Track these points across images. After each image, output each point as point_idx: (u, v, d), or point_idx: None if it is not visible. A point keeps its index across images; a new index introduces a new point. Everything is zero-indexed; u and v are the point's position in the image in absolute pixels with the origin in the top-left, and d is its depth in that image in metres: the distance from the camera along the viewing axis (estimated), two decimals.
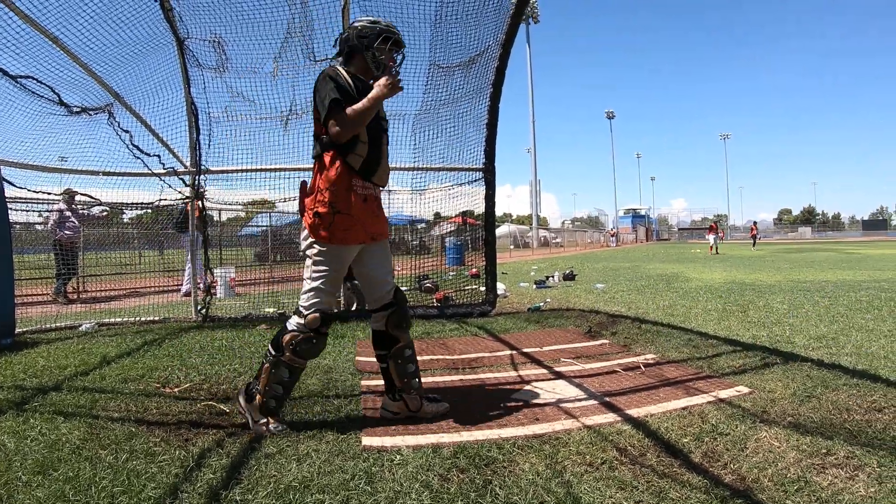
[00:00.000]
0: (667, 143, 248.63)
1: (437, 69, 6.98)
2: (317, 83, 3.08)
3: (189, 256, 9.02)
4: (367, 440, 2.91)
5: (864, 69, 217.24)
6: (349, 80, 3.07)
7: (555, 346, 5.48)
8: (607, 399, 3.70)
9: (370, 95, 2.98)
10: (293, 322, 3.05)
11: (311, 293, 3.05)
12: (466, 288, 8.61)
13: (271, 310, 7.93)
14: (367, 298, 3.32)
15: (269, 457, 2.66)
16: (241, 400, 3.15)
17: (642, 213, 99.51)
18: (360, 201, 3.05)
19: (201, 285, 7.92)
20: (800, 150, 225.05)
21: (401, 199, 7.97)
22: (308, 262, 3.09)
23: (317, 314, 3.02)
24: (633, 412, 3.37)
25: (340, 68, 3.15)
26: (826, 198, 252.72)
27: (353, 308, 7.42)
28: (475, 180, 7.65)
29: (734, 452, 2.71)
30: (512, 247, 42.52)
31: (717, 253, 30.28)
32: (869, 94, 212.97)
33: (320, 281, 3.04)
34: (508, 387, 4.07)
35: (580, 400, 3.69)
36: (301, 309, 3.05)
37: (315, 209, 3.00)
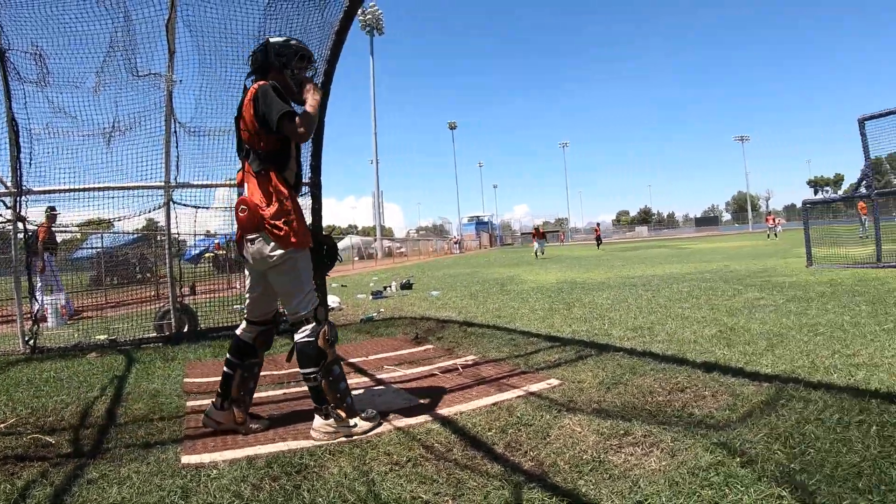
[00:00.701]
0: (508, 152, 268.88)
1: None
2: (259, 96, 3.46)
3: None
4: (186, 458, 3.23)
5: (688, 81, 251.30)
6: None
7: (381, 355, 6.06)
8: (421, 401, 4.18)
9: (315, 99, 3.60)
10: (309, 330, 3.54)
11: (307, 296, 3.59)
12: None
13: (102, 337, 7.87)
14: (253, 308, 3.83)
15: (92, 482, 2.90)
16: (323, 425, 3.52)
17: (485, 219, 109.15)
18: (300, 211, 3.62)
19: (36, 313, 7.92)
20: (635, 155, 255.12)
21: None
22: (283, 274, 3.55)
23: (321, 307, 3.65)
24: (444, 411, 3.86)
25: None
26: (661, 198, 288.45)
27: (185, 330, 7.71)
28: (302, 194, 7.86)
29: (536, 441, 3.19)
30: (356, 258, 44.88)
31: (544, 255, 33.27)
32: (695, 103, 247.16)
33: (307, 283, 3.61)
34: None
35: (396, 404, 4.14)
36: (306, 316, 3.56)
37: (276, 222, 3.46)
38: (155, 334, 7.84)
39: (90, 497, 2.72)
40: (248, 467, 3.00)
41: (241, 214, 3.54)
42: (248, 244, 3.56)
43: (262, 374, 5.12)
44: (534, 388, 4.28)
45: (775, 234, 45.02)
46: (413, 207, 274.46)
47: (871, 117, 12.76)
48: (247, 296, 3.88)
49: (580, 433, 3.25)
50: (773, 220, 48.73)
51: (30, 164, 7.29)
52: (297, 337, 3.58)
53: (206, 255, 15.74)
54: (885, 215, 19.33)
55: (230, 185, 7.86)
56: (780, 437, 2.97)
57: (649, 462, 2.80)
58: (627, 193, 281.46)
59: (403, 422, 3.72)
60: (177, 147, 7.49)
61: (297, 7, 6.72)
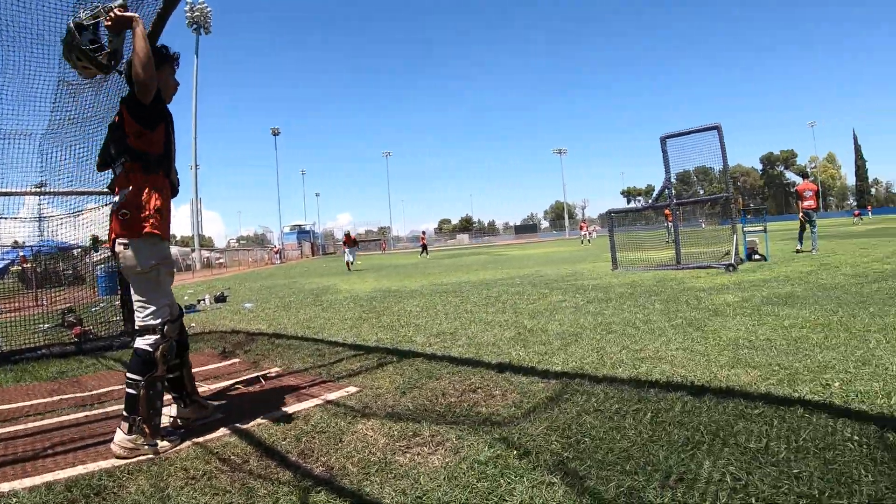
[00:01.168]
0: (332, 160, 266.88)
1: (66, 86, 7.00)
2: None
3: None
4: None
5: (509, 95, 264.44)
6: None
7: None
8: (221, 415, 4.17)
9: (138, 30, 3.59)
10: (151, 340, 3.60)
11: (162, 308, 3.71)
12: (114, 319, 8.61)
13: None
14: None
15: None
16: (125, 440, 3.45)
17: (307, 228, 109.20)
18: None
19: None
20: (457, 165, 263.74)
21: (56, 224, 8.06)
22: (144, 281, 3.68)
23: (171, 324, 3.73)
24: (243, 424, 3.89)
25: None
26: (482, 207, 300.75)
27: None
28: (108, 203, 7.50)
29: (329, 447, 3.30)
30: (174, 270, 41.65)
31: (354, 266, 33.40)
32: (516, 116, 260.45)
33: (166, 293, 3.79)
34: None
35: (195, 420, 4.08)
36: (155, 326, 3.64)
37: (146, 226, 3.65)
38: None
39: None
40: (46, 493, 2.95)
41: (121, 218, 3.66)
42: (123, 249, 3.65)
43: (63, 397, 5.27)
44: (332, 396, 4.39)
45: (588, 240, 48.44)
46: (234, 216, 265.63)
47: (671, 136, 14.49)
48: None
49: (372, 437, 3.39)
50: (587, 227, 52.27)
51: None
52: (138, 342, 3.63)
53: (13, 268, 14.57)
54: (694, 220, 21.47)
55: (25, 193, 7.56)
56: (558, 429, 3.24)
57: (433, 460, 2.97)
58: (449, 202, 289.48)
59: (203, 437, 3.71)
60: None
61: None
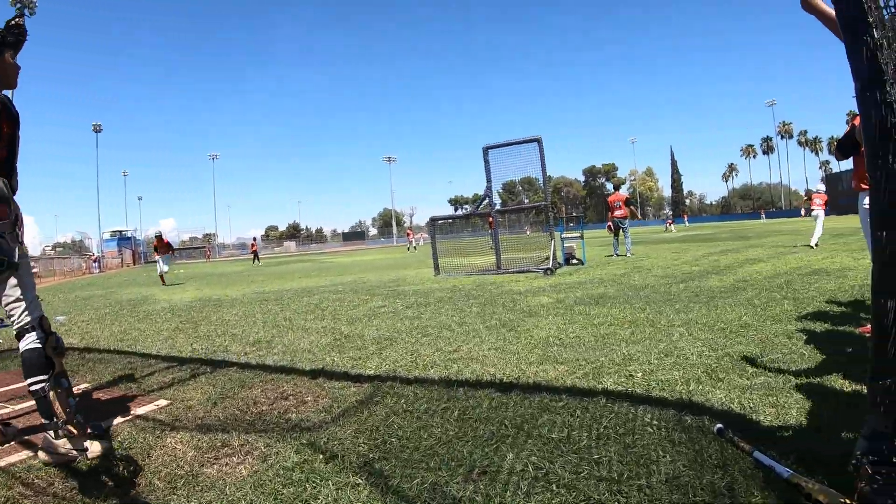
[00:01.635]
0: (155, 161, 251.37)
1: None
2: None
3: None
4: None
5: (339, 101, 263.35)
6: None
7: None
8: (26, 438, 3.79)
9: None
10: (33, 337, 3.37)
11: (33, 303, 3.48)
12: None
13: None
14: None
15: None
16: (54, 445, 3.29)
17: (128, 234, 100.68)
18: None
19: None
20: (285, 171, 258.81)
21: None
22: (23, 273, 3.48)
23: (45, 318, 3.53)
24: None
25: None
26: (310, 214, 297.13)
27: None
28: None
29: (138, 462, 3.16)
30: None
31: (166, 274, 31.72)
32: (347, 123, 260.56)
33: (31, 289, 3.55)
34: None
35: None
36: (30, 322, 3.40)
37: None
38: None
39: None
40: None
41: None
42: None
43: None
44: (141, 411, 4.20)
45: (415, 247, 49.15)
46: (49, 220, 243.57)
47: (493, 146, 15.09)
48: None
49: (180, 450, 3.29)
50: (413, 234, 53.09)
51: None
52: (22, 345, 3.40)
53: None
54: (518, 227, 22.45)
55: None
56: (366, 431, 3.30)
57: (241, 469, 2.92)
58: (277, 209, 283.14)
59: (4, 461, 3.41)
60: None
61: None
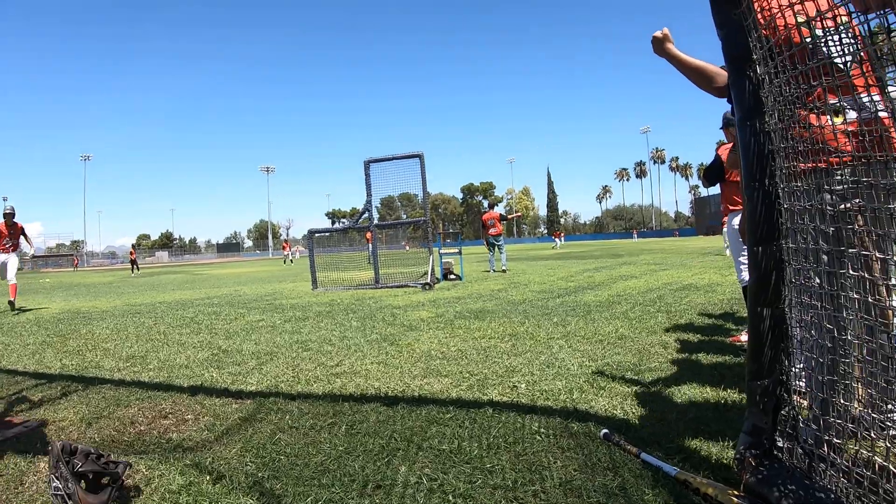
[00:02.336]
0: (21, 159, 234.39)
1: None
2: None
3: None
4: None
5: (215, 107, 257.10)
6: None
7: None
8: None
9: None
10: None
11: None
12: None
13: None
14: None
15: None
16: None
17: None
18: None
19: None
20: (159, 176, 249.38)
21: None
22: None
23: None
24: None
25: None
26: (184, 224, 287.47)
27: None
28: None
29: (9, 491, 2.90)
30: None
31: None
32: (223, 129, 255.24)
33: None
34: None
35: None
36: None
37: None
38: None
39: None
40: None
41: None
42: None
43: None
44: (11, 432, 3.86)
45: (291, 260, 48.38)
46: None
47: (375, 160, 15.15)
48: None
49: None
50: (289, 246, 52.34)
51: None
52: None
53: None
54: (397, 244, 22.52)
55: None
56: (252, 449, 3.23)
57: (122, 495, 2.76)
58: (149, 217, 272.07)
59: None
60: None
61: None
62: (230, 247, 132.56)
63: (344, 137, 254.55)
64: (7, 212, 13.45)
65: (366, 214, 15.23)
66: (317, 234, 16.78)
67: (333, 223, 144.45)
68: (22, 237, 13.80)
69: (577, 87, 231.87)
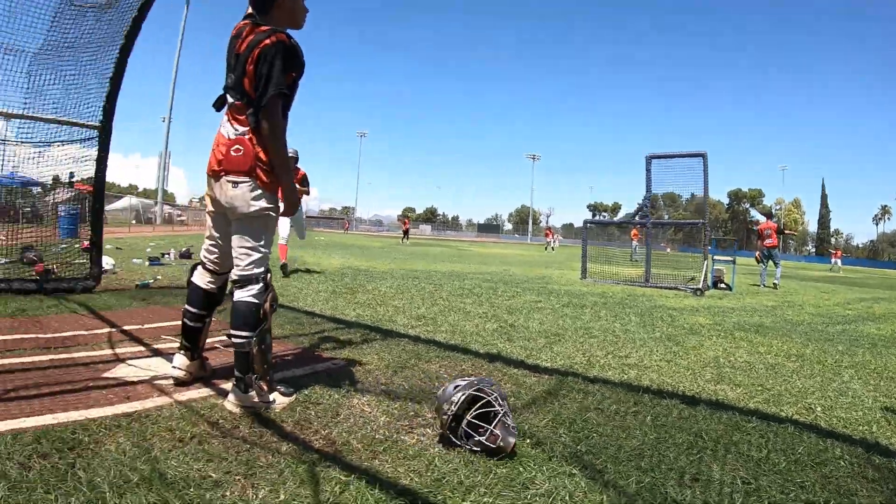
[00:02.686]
0: (307, 134, 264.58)
1: (69, 6, 6.81)
2: (264, 57, 3.22)
3: None
4: None
5: (490, 92, 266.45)
6: None
7: (157, 324, 5.65)
8: (204, 375, 3.94)
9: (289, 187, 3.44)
10: (254, 290, 3.34)
11: (264, 257, 3.43)
12: (76, 262, 8.29)
13: None
14: (222, 258, 3.66)
15: None
16: (243, 398, 3.29)
17: None
18: None
19: None
20: (426, 155, 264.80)
21: (24, 156, 7.50)
22: (253, 227, 3.38)
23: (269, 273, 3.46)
24: (227, 386, 3.60)
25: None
26: (448, 201, 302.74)
27: None
28: (88, 138, 7.54)
29: (326, 420, 3.14)
30: (134, 221, 42.46)
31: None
32: (495, 115, 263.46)
33: (269, 243, 3.47)
34: (102, 365, 4.09)
35: (193, 377, 3.84)
36: (258, 276, 3.37)
37: (268, 171, 3.32)
38: None
39: None
40: (12, 443, 2.64)
41: (233, 153, 3.33)
42: (230, 186, 3.35)
43: (25, 336, 4.89)
44: (320, 367, 4.25)
45: (552, 248, 48.80)
46: (198, 174, 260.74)
47: (657, 156, 14.58)
48: (209, 243, 3.68)
49: (370, 413, 3.27)
50: (552, 234, 52.78)
51: None
52: (240, 295, 3.36)
53: None
54: (656, 244, 21.90)
55: (19, 117, 7.12)
56: (564, 423, 3.21)
57: (439, 442, 2.86)
58: (415, 192, 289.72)
59: (185, 395, 3.48)
60: None
61: None
62: (490, 227, 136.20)
63: (611, 131, 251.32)
64: (290, 155, 13.69)
65: (642, 210, 14.81)
66: (589, 224, 16.64)
67: (594, 215, 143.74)
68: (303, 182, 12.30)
69: (859, 94, 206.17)
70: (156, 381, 3.74)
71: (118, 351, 4.54)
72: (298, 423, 3.11)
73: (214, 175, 3.44)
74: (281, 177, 3.39)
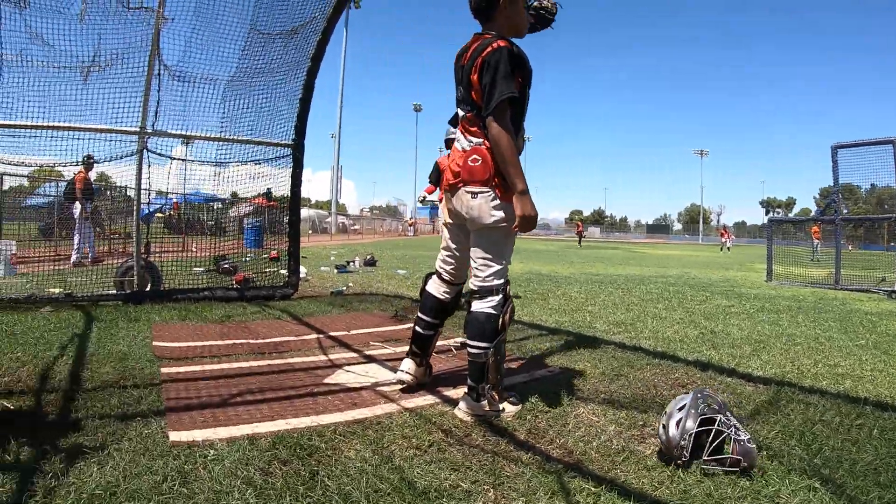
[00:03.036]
0: None
1: (258, 35, 7.45)
2: (488, 64, 3.23)
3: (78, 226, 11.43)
4: (175, 435, 2.91)
5: (655, 90, 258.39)
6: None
7: (362, 330, 5.96)
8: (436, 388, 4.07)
9: (523, 189, 3.28)
10: (493, 302, 3.38)
11: (503, 268, 3.44)
12: (268, 270, 9.06)
13: (57, 290, 7.42)
14: (457, 268, 3.80)
15: (63, 460, 2.53)
16: (475, 406, 3.37)
17: (439, 204, 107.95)
18: None
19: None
20: (592, 156, 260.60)
21: (200, 175, 8.32)
22: (493, 238, 3.41)
23: (508, 285, 3.48)
24: (452, 393, 3.81)
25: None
26: (615, 202, 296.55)
27: (148, 288, 7.46)
28: (282, 157, 8.19)
29: (558, 428, 3.21)
30: (310, 231, 44.67)
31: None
32: (660, 111, 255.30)
33: (508, 253, 3.49)
34: (320, 371, 4.34)
35: (396, 383, 4.01)
36: (497, 287, 3.40)
37: (494, 188, 3.31)
38: (115, 291, 7.51)
39: (66, 480, 2.37)
40: (250, 448, 2.75)
41: (471, 164, 3.38)
42: (468, 197, 3.39)
43: (237, 342, 5.23)
44: (538, 374, 4.34)
45: (727, 248, 46.63)
46: (368, 186, 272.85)
47: (843, 146, 13.57)
48: (446, 254, 3.79)
49: (598, 422, 3.29)
50: (727, 234, 50.51)
51: None
52: (478, 305, 3.43)
53: (159, 214, 15.23)
54: (828, 241, 20.38)
55: (207, 139, 7.85)
56: (793, 435, 3.15)
57: None
58: (582, 193, 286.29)
59: (412, 402, 3.62)
60: (158, 91, 7.22)
61: None
62: (659, 228, 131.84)
63: (785, 121, 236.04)
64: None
65: (831, 205, 13.93)
66: (774, 223, 15.87)
67: (767, 212, 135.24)
68: None
69: None
70: (378, 388, 3.92)
71: (332, 357, 4.80)
72: (531, 431, 3.17)
73: (451, 188, 3.51)
74: (512, 187, 3.26)
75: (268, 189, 8.78)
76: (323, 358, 4.81)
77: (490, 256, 3.42)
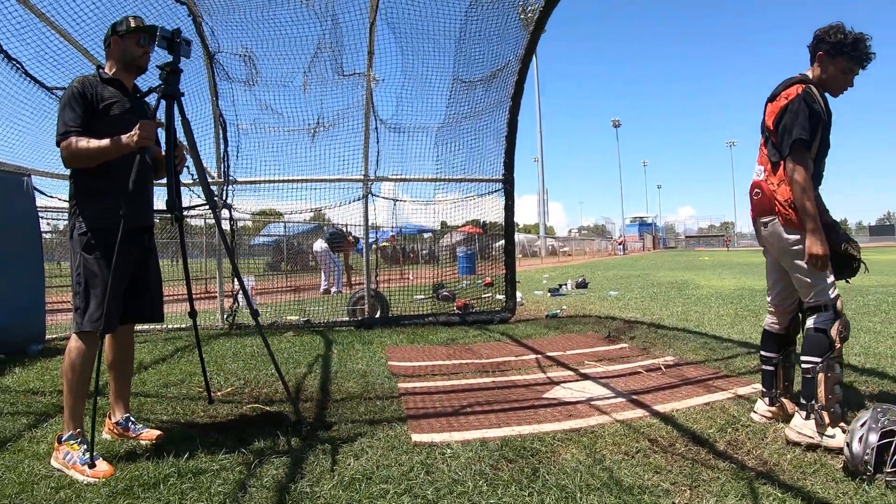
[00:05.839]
0: (673, 151, 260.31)
1: (460, 84, 8.23)
2: (788, 108, 3.44)
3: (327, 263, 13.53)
4: (417, 436, 3.53)
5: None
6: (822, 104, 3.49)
7: (577, 350, 6.36)
8: (633, 397, 4.41)
9: (813, 235, 3.37)
10: (822, 318, 3.39)
11: (825, 285, 3.41)
12: (484, 296, 9.77)
13: (295, 317, 8.70)
14: (777, 297, 3.90)
15: (325, 453, 3.24)
16: (803, 425, 3.33)
17: (649, 221, 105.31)
18: None
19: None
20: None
21: (411, 208, 9.19)
22: (798, 258, 3.47)
23: (840, 299, 3.43)
24: (660, 408, 4.07)
25: None
26: (829, 202, 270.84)
27: (377, 315, 8.47)
28: (494, 191, 8.87)
29: (755, 441, 3.36)
30: (520, 255, 45.18)
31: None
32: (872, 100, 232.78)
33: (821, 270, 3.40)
34: (539, 387, 4.81)
35: (608, 398, 4.40)
36: (824, 304, 3.41)
37: (788, 206, 3.47)
38: (347, 318, 8.58)
39: (329, 467, 3.03)
40: (481, 448, 3.25)
41: (755, 198, 3.67)
42: (763, 227, 3.64)
43: (463, 362, 5.74)
44: (742, 391, 4.41)
45: None
46: (575, 206, 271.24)
47: None
48: (769, 283, 3.92)
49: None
50: None
51: (237, 156, 8.26)
52: (810, 322, 3.44)
53: (374, 246, 16.30)
54: None
55: (424, 180, 8.68)
56: None
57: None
58: None
59: (622, 415, 3.91)
60: (377, 143, 8.24)
61: (497, 8, 7.42)
62: (883, 229, 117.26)
63: None
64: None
65: None
66: None
67: None
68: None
69: None
70: (592, 402, 4.27)
71: (550, 375, 5.21)
72: (730, 443, 3.37)
73: (754, 220, 3.74)
74: (804, 221, 3.35)
75: (483, 221, 9.52)
76: (541, 376, 5.25)
77: (805, 278, 3.50)
